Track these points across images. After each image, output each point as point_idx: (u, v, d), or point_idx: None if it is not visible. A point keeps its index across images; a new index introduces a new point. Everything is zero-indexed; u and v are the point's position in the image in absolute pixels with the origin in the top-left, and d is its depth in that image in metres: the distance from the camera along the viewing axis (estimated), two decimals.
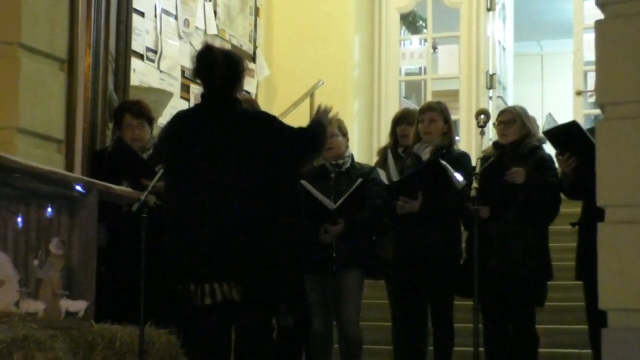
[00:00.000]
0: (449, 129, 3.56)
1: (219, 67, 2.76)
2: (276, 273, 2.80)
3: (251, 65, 6.00)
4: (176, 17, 5.35)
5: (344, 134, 3.63)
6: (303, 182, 3.40)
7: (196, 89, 5.40)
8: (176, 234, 2.76)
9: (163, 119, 4.36)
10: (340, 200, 3.40)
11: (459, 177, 3.31)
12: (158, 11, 5.16)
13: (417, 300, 3.47)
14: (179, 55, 5.35)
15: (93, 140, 3.56)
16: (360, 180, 3.43)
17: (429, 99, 6.05)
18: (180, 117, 2.93)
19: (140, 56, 4.96)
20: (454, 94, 6.69)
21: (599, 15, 2.44)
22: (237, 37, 5.98)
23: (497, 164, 3.38)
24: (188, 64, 5.39)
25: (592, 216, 2.84)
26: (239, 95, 2.88)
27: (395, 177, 3.51)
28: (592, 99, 6.22)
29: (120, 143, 3.45)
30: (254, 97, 5.68)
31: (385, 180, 3.52)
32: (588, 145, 2.98)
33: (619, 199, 2.31)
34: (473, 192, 3.09)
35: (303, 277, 3.53)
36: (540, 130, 3.56)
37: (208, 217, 2.70)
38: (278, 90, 6.27)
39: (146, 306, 2.75)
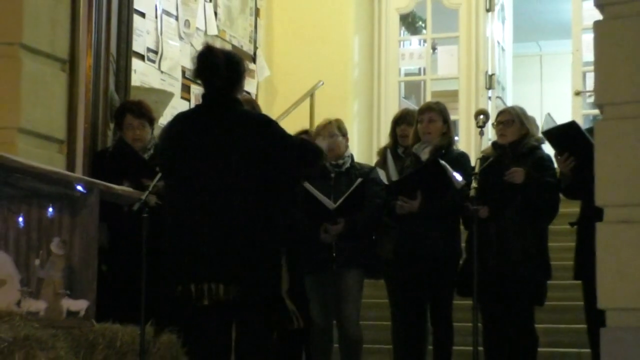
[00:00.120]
0: (448, 129, 3.57)
1: (220, 68, 2.77)
2: (276, 273, 2.81)
3: (251, 65, 6.01)
4: (177, 18, 5.36)
5: (344, 134, 3.64)
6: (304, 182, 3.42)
7: (197, 90, 5.41)
8: (176, 234, 2.77)
9: (164, 119, 4.37)
10: (340, 200, 3.41)
11: (458, 177, 3.32)
12: (159, 12, 5.17)
13: (416, 300, 3.48)
14: (180, 55, 5.36)
15: (94, 141, 3.57)
16: (360, 180, 3.44)
17: (429, 99, 6.06)
18: (180, 117, 2.94)
19: (141, 57, 4.97)
20: (454, 95, 6.70)
21: (598, 16, 2.45)
22: (238, 37, 5.99)
23: (496, 164, 3.39)
24: (189, 64, 5.40)
25: (590, 216, 2.85)
26: (240, 96, 2.89)
27: (394, 177, 3.52)
28: (591, 99, 6.23)
29: (122, 143, 3.46)
30: (254, 97, 5.70)
31: (385, 181, 3.53)
32: (587, 146, 2.99)
33: (618, 198, 2.32)
34: (472, 192, 3.10)
35: (303, 277, 3.54)
36: (540, 130, 3.57)
37: (208, 218, 2.71)
38: (278, 90, 6.28)
39: (147, 306, 2.76)
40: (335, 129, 3.59)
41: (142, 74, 4.93)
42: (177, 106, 4.95)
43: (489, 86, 6.48)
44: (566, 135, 3.28)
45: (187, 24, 5.45)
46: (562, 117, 3.88)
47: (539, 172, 3.38)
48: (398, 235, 3.51)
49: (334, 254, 3.46)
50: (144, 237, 2.77)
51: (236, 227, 2.70)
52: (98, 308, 2.87)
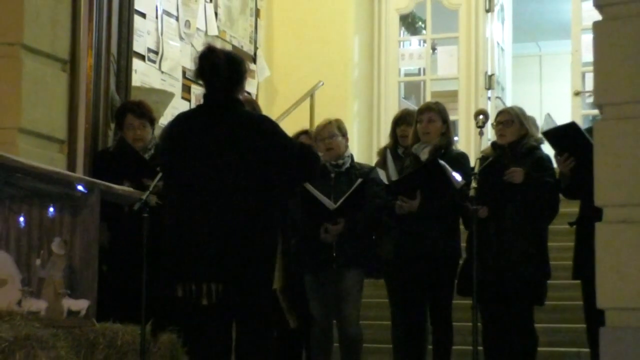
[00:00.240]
0: (447, 129, 3.58)
1: (221, 68, 2.77)
2: (271, 272, 2.81)
3: (252, 66, 6.02)
4: (177, 18, 5.36)
5: (344, 134, 3.65)
6: None
7: (197, 90, 5.42)
8: (176, 234, 2.77)
9: (164, 120, 4.37)
10: (341, 200, 3.42)
11: (457, 177, 3.33)
12: (159, 12, 5.18)
13: (416, 300, 3.49)
14: (180, 56, 5.36)
15: (95, 141, 3.57)
16: (360, 180, 3.44)
17: (428, 99, 6.07)
18: (181, 117, 2.94)
19: (142, 57, 4.98)
20: (453, 95, 6.71)
21: (597, 16, 2.45)
22: (238, 38, 6.00)
23: (496, 164, 3.40)
24: (189, 64, 5.41)
25: (589, 216, 2.86)
26: (241, 96, 2.89)
27: (394, 178, 3.53)
28: (590, 100, 6.24)
29: (122, 143, 3.46)
30: (254, 97, 5.70)
31: (385, 181, 3.53)
32: (586, 146, 2.99)
33: (617, 198, 2.32)
34: (472, 192, 3.11)
35: (302, 277, 3.55)
36: (540, 130, 3.58)
37: (208, 217, 2.71)
38: (278, 91, 6.29)
39: (147, 305, 2.76)
40: (335, 129, 3.59)
41: (142, 74, 4.94)
42: (178, 106, 4.96)
43: (489, 86, 6.49)
44: (566, 136, 3.29)
45: (187, 24, 5.46)
46: (562, 118, 3.90)
47: (538, 172, 3.39)
48: (398, 235, 3.52)
49: (334, 254, 3.47)
50: (144, 237, 2.78)
51: (236, 227, 2.71)
52: (99, 308, 2.88)
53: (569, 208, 3.60)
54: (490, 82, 6.50)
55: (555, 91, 8.83)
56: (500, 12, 6.74)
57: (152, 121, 3.55)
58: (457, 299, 3.55)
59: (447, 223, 3.48)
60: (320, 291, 3.53)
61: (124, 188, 3.10)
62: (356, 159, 3.76)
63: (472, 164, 3.51)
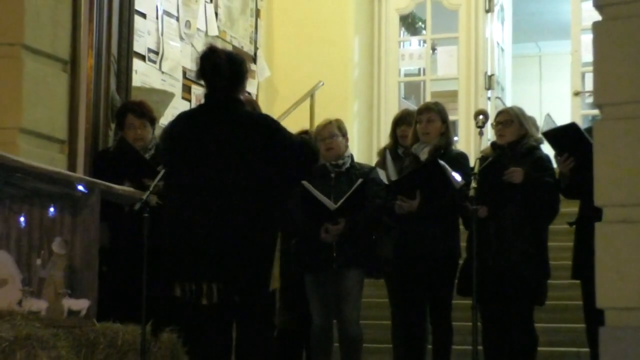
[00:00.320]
0: (446, 129, 3.58)
1: (222, 68, 2.78)
2: (268, 272, 2.81)
3: (252, 66, 6.02)
4: (177, 19, 5.37)
5: (344, 134, 3.65)
6: (304, 182, 3.42)
7: (197, 90, 5.43)
8: (176, 234, 2.78)
9: (165, 120, 4.38)
10: (341, 200, 3.42)
11: (457, 176, 3.34)
12: (159, 13, 5.19)
13: (416, 299, 3.49)
14: (181, 56, 5.37)
15: (95, 141, 3.58)
16: (360, 180, 3.45)
17: (428, 99, 6.08)
18: (183, 117, 2.95)
19: (142, 57, 4.98)
20: (453, 95, 6.72)
21: (597, 16, 2.45)
22: (238, 38, 6.01)
23: (496, 164, 3.40)
24: (189, 65, 5.42)
25: (589, 216, 2.86)
26: (242, 97, 2.90)
27: (393, 178, 3.53)
28: (590, 100, 6.25)
29: (123, 143, 3.47)
30: (254, 98, 5.71)
31: (385, 181, 3.54)
32: (586, 146, 3.00)
33: (616, 198, 2.33)
34: (472, 192, 3.12)
35: (302, 277, 3.55)
36: (540, 131, 3.58)
37: (208, 217, 2.71)
38: (278, 91, 6.29)
39: (148, 305, 2.77)
40: (335, 129, 3.60)
41: (143, 75, 4.95)
42: (178, 106, 4.96)
43: (489, 87, 6.49)
44: (566, 136, 3.29)
45: (187, 24, 5.46)
46: (561, 118, 3.90)
47: (538, 172, 3.40)
48: (398, 235, 3.52)
49: (335, 254, 3.47)
50: (144, 236, 2.78)
51: (236, 227, 2.71)
52: (99, 307, 2.88)
53: (569, 208, 3.60)
54: (490, 82, 6.51)
55: (555, 91, 8.84)
56: (500, 13, 6.75)
57: (153, 121, 3.56)
58: (457, 299, 3.55)
59: (447, 223, 3.49)
60: (320, 291, 3.53)
61: (125, 188, 3.11)
62: (356, 159, 3.76)
63: (472, 164, 3.52)
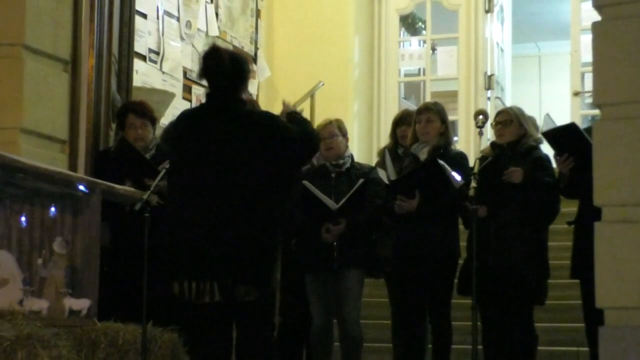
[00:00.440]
0: (446, 129, 3.59)
1: (225, 68, 2.78)
2: (273, 271, 2.82)
3: (252, 66, 6.03)
4: (178, 19, 5.38)
5: (344, 134, 3.66)
6: (305, 182, 3.44)
7: (198, 90, 5.43)
8: (177, 233, 2.78)
9: (165, 120, 4.39)
10: (343, 200, 3.43)
11: (456, 176, 3.34)
12: (160, 13, 5.19)
13: (416, 299, 3.50)
14: (181, 56, 5.38)
15: (96, 141, 3.59)
16: (362, 180, 3.46)
17: (428, 99, 6.09)
18: (185, 116, 2.95)
19: (143, 57, 4.99)
20: (453, 95, 6.73)
21: (596, 17, 2.46)
22: (239, 38, 6.02)
23: (495, 164, 3.41)
24: (190, 65, 5.43)
25: (588, 215, 2.87)
26: (244, 96, 2.90)
27: (393, 178, 3.54)
28: (590, 100, 6.26)
29: (124, 143, 3.47)
30: (255, 98, 5.72)
31: (386, 180, 3.55)
32: (586, 146, 3.00)
33: (616, 198, 2.33)
34: (471, 192, 3.12)
35: (302, 277, 3.56)
36: (539, 131, 3.59)
37: (209, 217, 2.72)
38: (279, 91, 6.29)
39: (148, 305, 2.77)
40: (336, 128, 3.61)
41: (143, 75, 4.95)
42: (179, 106, 4.97)
43: (488, 87, 6.50)
44: (565, 136, 3.30)
45: (188, 25, 5.47)
46: (561, 118, 3.92)
47: (537, 172, 3.40)
48: (397, 235, 3.53)
49: (335, 254, 3.48)
50: (145, 236, 2.79)
51: (236, 226, 2.72)
52: (100, 307, 2.89)
53: (568, 208, 3.61)
54: (489, 82, 6.51)
55: (554, 91, 8.84)
56: (499, 13, 6.76)
57: (154, 121, 3.56)
58: (456, 299, 3.56)
59: (446, 223, 3.49)
60: (320, 291, 3.54)
61: (125, 188, 3.11)
62: (356, 159, 3.77)
63: (472, 164, 3.52)
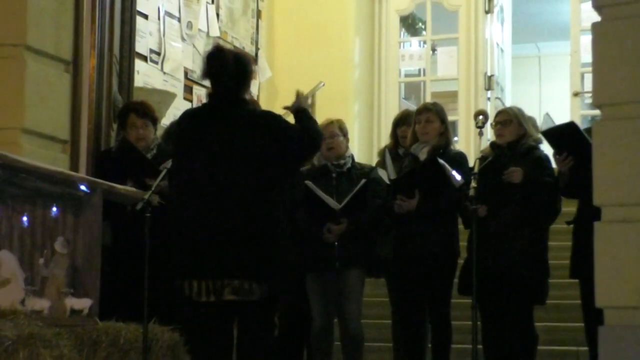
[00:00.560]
0: (445, 129, 3.60)
1: (229, 68, 2.79)
2: (279, 270, 2.83)
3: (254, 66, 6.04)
4: (179, 20, 5.39)
5: (345, 134, 3.67)
6: (308, 182, 3.45)
7: (199, 90, 5.45)
8: (180, 232, 2.79)
9: (166, 120, 4.40)
10: (346, 200, 3.44)
11: (456, 175, 3.35)
12: (161, 14, 5.21)
13: (416, 298, 3.51)
14: (182, 57, 5.39)
15: (97, 141, 3.59)
16: (364, 180, 3.47)
17: (429, 100, 6.09)
18: (188, 116, 2.95)
19: (144, 58, 5.00)
20: (453, 95, 6.74)
21: (596, 17, 2.47)
22: (239, 39, 6.03)
23: (495, 164, 3.42)
24: (191, 65, 5.45)
25: (587, 215, 2.88)
26: (247, 96, 2.91)
27: (393, 178, 3.55)
28: (589, 100, 6.27)
29: (125, 143, 3.48)
30: (255, 98, 5.73)
31: (387, 180, 3.56)
32: (585, 145, 3.02)
33: (615, 198, 2.34)
34: (472, 192, 3.13)
35: (304, 275, 3.57)
36: (539, 129, 3.60)
37: (211, 216, 2.73)
38: (279, 91, 6.31)
39: (150, 304, 2.78)
40: (337, 128, 3.62)
41: (144, 75, 4.96)
42: (180, 107, 4.98)
43: (488, 87, 6.51)
44: (565, 135, 3.31)
45: (189, 25, 5.49)
46: (561, 118, 3.92)
47: (537, 171, 3.41)
48: (397, 234, 3.54)
49: (336, 254, 3.49)
50: (146, 236, 2.79)
51: (239, 225, 2.72)
52: (101, 306, 2.90)
53: (567, 207, 3.62)
54: (489, 82, 6.52)
55: (554, 92, 8.85)
56: (499, 13, 6.77)
57: (155, 121, 3.57)
58: (456, 298, 3.57)
59: (446, 222, 3.50)
60: (321, 290, 3.55)
61: (127, 188, 3.12)
62: (357, 159, 3.78)
63: (472, 164, 3.53)
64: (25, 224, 2.91)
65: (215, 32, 5.72)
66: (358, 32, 6.49)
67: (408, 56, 7.11)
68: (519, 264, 3.37)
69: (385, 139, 5.06)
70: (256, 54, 6.18)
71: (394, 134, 3.93)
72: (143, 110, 3.52)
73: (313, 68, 6.16)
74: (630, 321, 2.29)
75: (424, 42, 7.14)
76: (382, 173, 3.59)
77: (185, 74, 5.42)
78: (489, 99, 6.50)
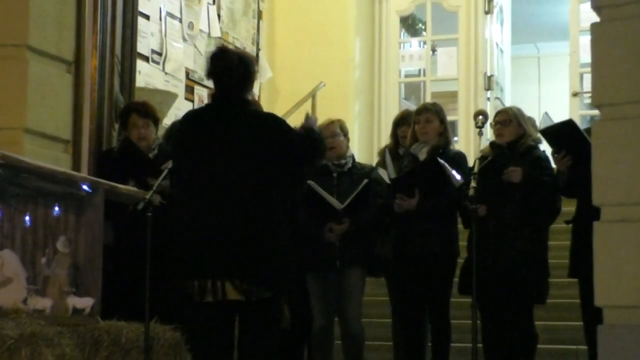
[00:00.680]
0: (444, 129, 3.62)
1: (234, 67, 2.80)
2: (280, 270, 2.84)
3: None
4: (180, 20, 5.41)
5: (345, 134, 3.69)
6: (310, 182, 3.45)
7: (200, 91, 5.46)
8: (180, 232, 2.80)
9: (168, 120, 4.42)
10: (349, 200, 3.45)
11: (456, 175, 3.37)
12: (163, 14, 5.22)
13: (415, 298, 3.52)
14: (184, 57, 5.41)
15: (99, 141, 3.61)
16: (366, 180, 3.48)
17: (428, 100, 6.11)
18: (190, 116, 2.96)
19: (146, 58, 5.02)
20: (453, 95, 6.76)
21: (595, 18, 2.48)
22: (240, 39, 6.04)
23: (495, 164, 3.43)
24: (192, 66, 5.46)
25: (586, 214, 2.89)
26: (250, 97, 2.92)
27: (393, 177, 3.56)
28: (588, 100, 6.28)
29: (127, 143, 3.49)
30: (256, 98, 5.74)
31: (387, 180, 3.57)
32: (583, 144, 3.03)
33: (615, 198, 2.35)
34: (471, 192, 3.14)
35: (304, 275, 3.58)
36: (538, 128, 3.61)
37: (213, 217, 2.73)
38: (280, 91, 6.32)
39: (151, 303, 2.79)
40: (338, 128, 3.63)
41: (146, 75, 4.98)
42: (181, 107, 5.00)
43: (488, 87, 6.53)
44: (563, 133, 3.32)
45: (190, 26, 5.50)
46: (560, 118, 3.92)
47: (537, 171, 3.43)
48: (396, 234, 3.55)
49: (337, 253, 3.50)
50: (148, 235, 2.80)
51: (241, 225, 2.72)
52: (103, 305, 2.91)
53: (566, 207, 3.63)
54: (489, 83, 6.54)
55: (553, 92, 8.86)
56: (499, 14, 6.78)
57: (156, 121, 3.58)
58: (456, 297, 3.58)
59: (445, 222, 3.51)
60: (322, 290, 3.56)
61: (128, 188, 3.13)
62: (357, 159, 3.79)
63: (471, 164, 3.54)
64: (28, 223, 2.92)
65: (216, 32, 5.73)
66: (358, 33, 6.50)
67: (408, 56, 7.13)
68: (519, 264, 3.38)
69: (385, 139, 5.08)
70: (257, 55, 6.19)
71: (394, 134, 3.94)
72: (145, 110, 3.53)
73: (313, 68, 6.18)
74: (629, 320, 2.30)
75: (424, 43, 7.16)
76: (382, 173, 3.60)
77: (187, 74, 5.43)
78: (488, 99, 6.52)
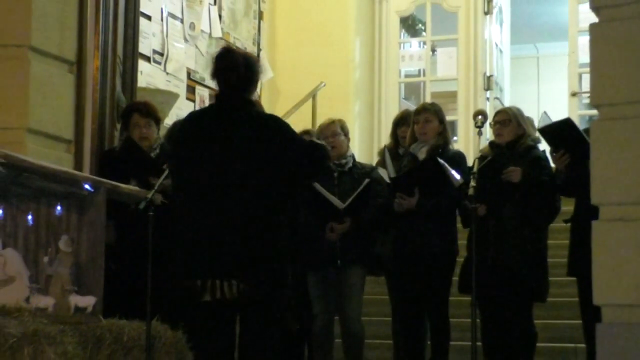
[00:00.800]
0: (444, 129, 3.63)
1: (239, 68, 2.81)
2: (281, 270, 2.85)
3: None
4: (182, 21, 5.42)
5: (346, 134, 3.71)
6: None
7: (202, 91, 5.48)
8: (181, 231, 2.81)
9: (169, 120, 4.43)
10: (350, 199, 3.47)
11: (456, 175, 3.38)
12: (164, 15, 5.23)
13: (415, 297, 3.53)
14: (185, 57, 5.42)
15: (101, 140, 3.62)
16: (367, 180, 3.50)
17: (428, 100, 6.12)
18: (193, 117, 2.96)
19: (147, 58, 5.03)
20: (453, 95, 6.77)
21: (594, 18, 2.49)
22: (241, 40, 6.06)
23: (494, 164, 3.45)
24: (193, 66, 5.47)
25: (584, 213, 2.91)
26: (253, 97, 2.93)
27: (393, 176, 3.58)
28: (587, 100, 6.30)
29: (129, 142, 3.50)
30: (257, 98, 5.75)
31: (387, 179, 3.59)
32: (581, 142, 3.05)
33: (613, 197, 2.36)
34: (471, 191, 3.16)
35: (305, 274, 3.60)
36: (536, 127, 3.63)
37: (214, 217, 2.74)
38: (281, 92, 6.34)
39: (153, 302, 2.80)
40: (338, 128, 3.65)
41: (148, 76, 4.99)
42: (182, 107, 5.02)
43: (487, 87, 6.54)
44: (561, 132, 3.34)
45: (192, 26, 5.51)
46: (559, 118, 3.94)
47: (536, 171, 3.44)
48: (396, 233, 3.57)
49: (338, 252, 3.51)
50: (149, 235, 2.81)
51: (242, 225, 2.73)
52: (105, 304, 2.92)
53: (565, 206, 3.65)
54: (488, 83, 6.55)
55: (552, 92, 8.88)
56: (498, 14, 6.80)
57: (158, 121, 3.59)
58: (455, 296, 3.59)
59: (445, 221, 3.53)
60: (323, 289, 3.58)
61: (130, 187, 3.13)
62: (357, 159, 3.81)
63: (470, 163, 3.56)
64: (30, 222, 2.93)
65: (217, 33, 5.74)
66: (358, 33, 6.52)
67: (408, 57, 7.14)
68: (518, 263, 3.40)
69: (385, 139, 5.09)
70: (258, 55, 6.21)
71: (394, 134, 3.96)
72: (146, 110, 3.55)
73: (314, 68, 6.19)
74: (627, 319, 2.31)
75: (424, 43, 7.17)
76: (382, 172, 3.62)
77: (188, 74, 5.45)
78: (488, 99, 6.53)
